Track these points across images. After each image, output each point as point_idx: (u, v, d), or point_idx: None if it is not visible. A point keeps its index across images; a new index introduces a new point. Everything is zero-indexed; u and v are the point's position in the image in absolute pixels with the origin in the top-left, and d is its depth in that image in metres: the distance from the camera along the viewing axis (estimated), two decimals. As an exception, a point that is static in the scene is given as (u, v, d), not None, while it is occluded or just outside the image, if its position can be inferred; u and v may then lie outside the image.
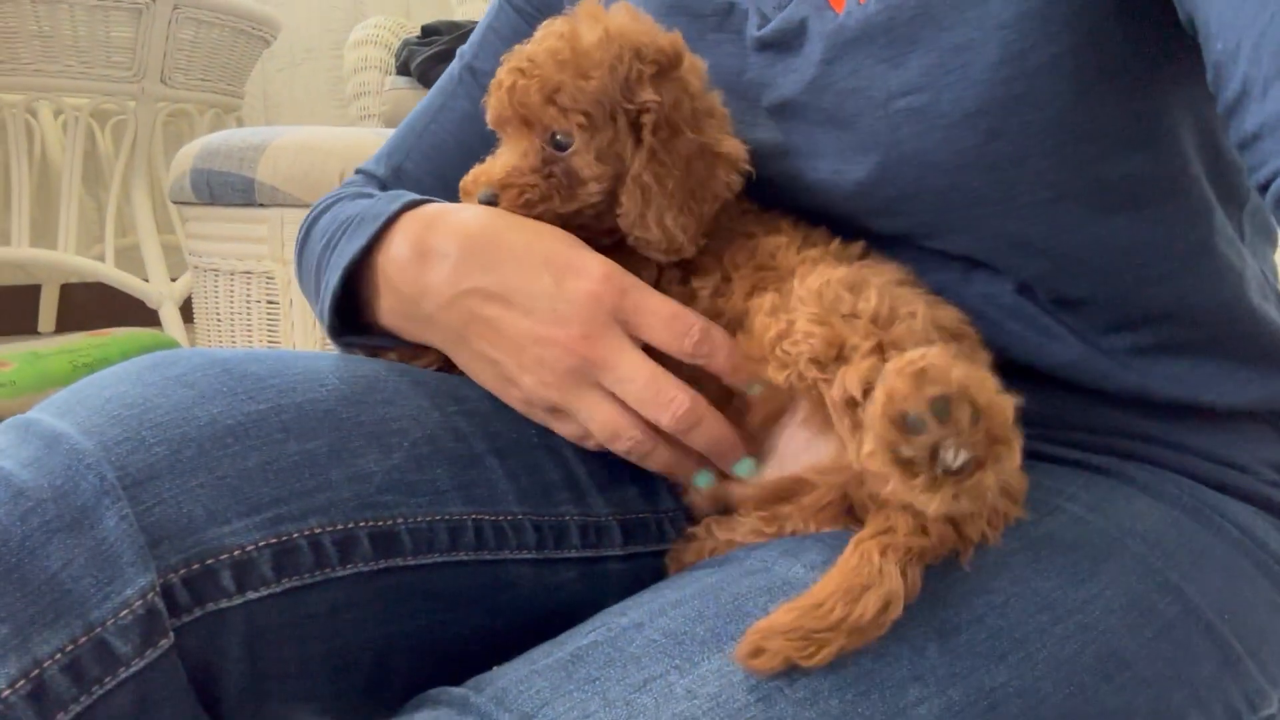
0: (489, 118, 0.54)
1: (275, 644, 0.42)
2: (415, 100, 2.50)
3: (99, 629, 0.37)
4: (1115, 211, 0.50)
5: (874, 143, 0.51)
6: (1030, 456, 0.53)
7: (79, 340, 2.09)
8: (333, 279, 0.55)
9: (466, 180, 0.54)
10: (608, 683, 0.38)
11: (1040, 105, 0.47)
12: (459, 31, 2.32)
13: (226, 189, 1.66)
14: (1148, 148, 0.50)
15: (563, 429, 0.52)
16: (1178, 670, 0.45)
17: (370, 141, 1.64)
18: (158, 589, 0.38)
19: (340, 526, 0.43)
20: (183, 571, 0.39)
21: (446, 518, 0.47)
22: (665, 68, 0.51)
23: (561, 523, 0.51)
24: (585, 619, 0.43)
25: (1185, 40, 0.44)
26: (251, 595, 0.41)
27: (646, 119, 0.50)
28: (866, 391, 0.39)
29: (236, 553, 0.41)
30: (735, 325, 0.50)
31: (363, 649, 0.45)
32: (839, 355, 0.41)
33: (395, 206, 0.55)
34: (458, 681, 0.41)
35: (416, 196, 0.56)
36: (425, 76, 2.29)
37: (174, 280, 2.43)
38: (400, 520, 0.45)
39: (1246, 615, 0.49)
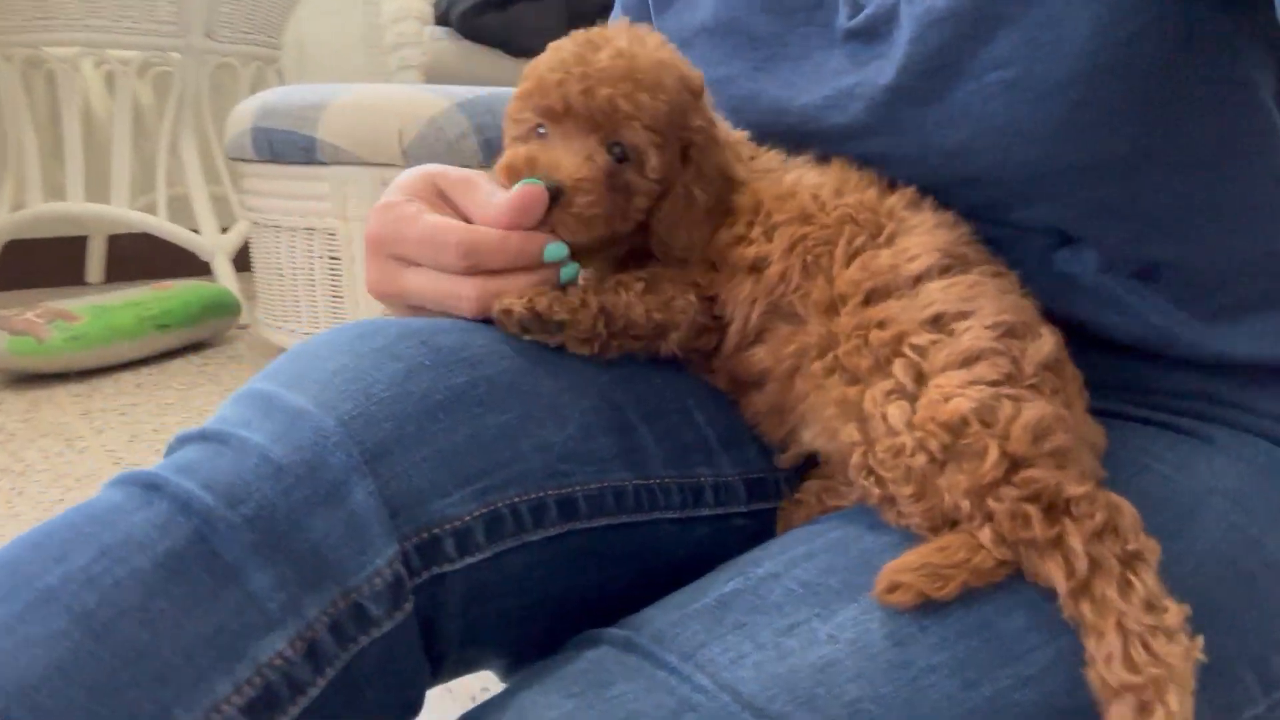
0: (539, 105, 0.54)
1: (483, 601, 0.47)
2: (456, 52, 2.50)
3: (354, 594, 0.42)
4: (1200, 169, 0.53)
5: (965, 116, 0.53)
6: (1117, 416, 0.57)
7: (142, 293, 2.14)
8: None
9: (516, 160, 0.52)
10: (756, 628, 0.43)
11: (1128, 74, 0.50)
12: (500, -19, 2.32)
13: (289, 147, 1.69)
14: (1233, 106, 0.53)
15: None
16: (1260, 620, 0.50)
17: (427, 100, 1.66)
18: (400, 558, 0.43)
19: (533, 495, 0.48)
20: (414, 540, 0.44)
21: (612, 484, 0.52)
22: (697, 95, 0.56)
23: (698, 484, 0.56)
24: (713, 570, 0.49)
25: None
26: (469, 560, 0.46)
27: (698, 139, 0.55)
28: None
29: (456, 523, 0.45)
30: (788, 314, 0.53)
31: (544, 603, 0.50)
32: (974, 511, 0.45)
33: None
34: None
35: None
36: (466, 27, 2.29)
37: (224, 231, 2.48)
38: (578, 487, 0.50)
39: None
